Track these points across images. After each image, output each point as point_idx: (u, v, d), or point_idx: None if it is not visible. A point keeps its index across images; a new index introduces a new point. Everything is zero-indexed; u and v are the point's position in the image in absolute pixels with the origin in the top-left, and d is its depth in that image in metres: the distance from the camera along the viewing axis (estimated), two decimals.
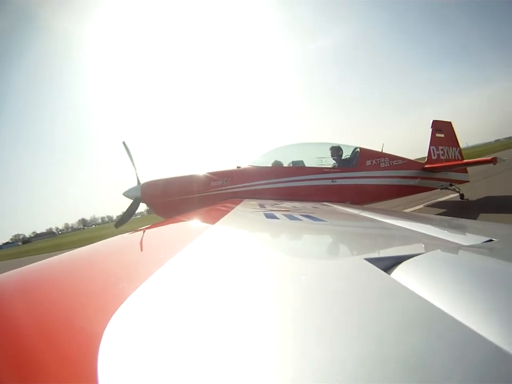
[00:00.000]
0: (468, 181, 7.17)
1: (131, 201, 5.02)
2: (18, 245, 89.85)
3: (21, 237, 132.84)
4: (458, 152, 7.47)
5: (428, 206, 7.41)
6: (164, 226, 1.91)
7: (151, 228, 1.74)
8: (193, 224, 1.82)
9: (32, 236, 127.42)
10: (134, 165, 5.02)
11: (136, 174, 5.00)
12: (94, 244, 1.21)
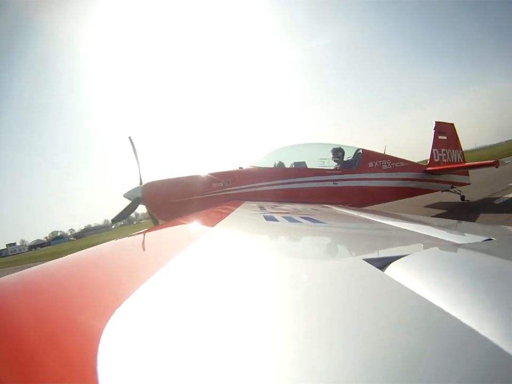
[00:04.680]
0: (469, 183, 7.16)
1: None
2: (71, 240, 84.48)
3: (58, 234, 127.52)
4: (461, 155, 7.46)
5: (427, 207, 7.36)
6: (163, 229, 1.91)
7: (151, 230, 1.73)
8: (193, 227, 1.81)
9: (69, 233, 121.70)
10: (138, 162, 5.02)
11: (139, 173, 4.99)
12: (94, 246, 1.20)
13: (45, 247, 74.43)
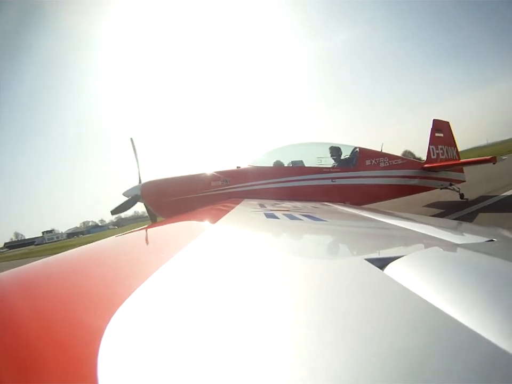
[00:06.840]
0: (464, 181, 7.19)
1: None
2: (110, 228, 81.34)
3: (90, 224, 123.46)
4: (456, 152, 7.52)
5: (426, 206, 7.40)
6: (164, 226, 1.92)
7: (152, 227, 1.76)
8: (194, 224, 1.82)
9: (100, 223, 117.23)
10: (137, 163, 5.17)
11: (139, 173, 5.11)
12: (95, 243, 1.22)
13: (85, 235, 71.36)
